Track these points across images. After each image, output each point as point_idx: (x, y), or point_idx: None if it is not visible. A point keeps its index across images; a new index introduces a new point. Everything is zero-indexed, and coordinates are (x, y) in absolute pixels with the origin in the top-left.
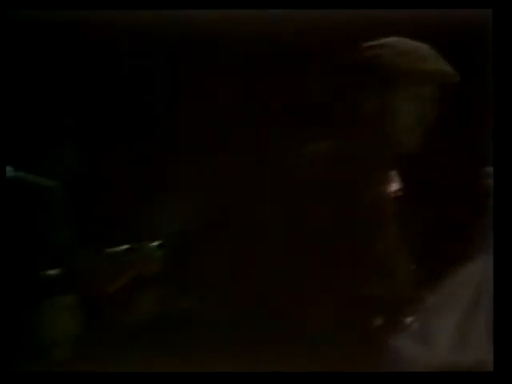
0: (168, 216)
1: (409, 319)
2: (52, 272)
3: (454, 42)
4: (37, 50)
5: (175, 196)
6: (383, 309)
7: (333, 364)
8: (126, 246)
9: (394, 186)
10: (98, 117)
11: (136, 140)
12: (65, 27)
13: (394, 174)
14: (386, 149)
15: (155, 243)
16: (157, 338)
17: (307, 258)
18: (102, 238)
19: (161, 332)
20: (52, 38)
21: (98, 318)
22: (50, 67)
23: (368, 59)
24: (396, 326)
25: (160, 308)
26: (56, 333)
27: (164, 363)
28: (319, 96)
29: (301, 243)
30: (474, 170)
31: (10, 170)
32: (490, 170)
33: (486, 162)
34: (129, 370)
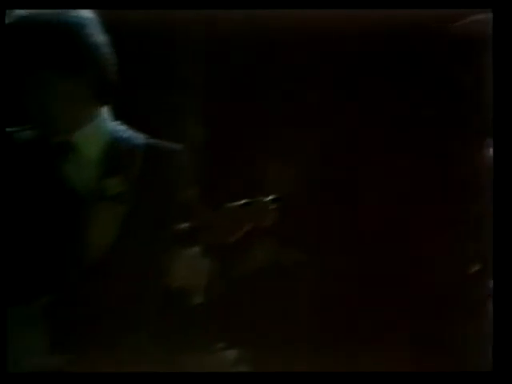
0: (279, 177)
1: None
2: (182, 225)
3: (454, 42)
4: None
5: (286, 159)
6: None
7: None
8: (243, 201)
9: None
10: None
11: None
12: None
13: None
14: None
15: (270, 197)
16: (269, 285)
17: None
18: (221, 195)
19: (273, 280)
20: None
21: (219, 266)
22: None
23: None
24: None
25: (274, 258)
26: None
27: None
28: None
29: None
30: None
31: (142, 137)
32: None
33: (484, 162)
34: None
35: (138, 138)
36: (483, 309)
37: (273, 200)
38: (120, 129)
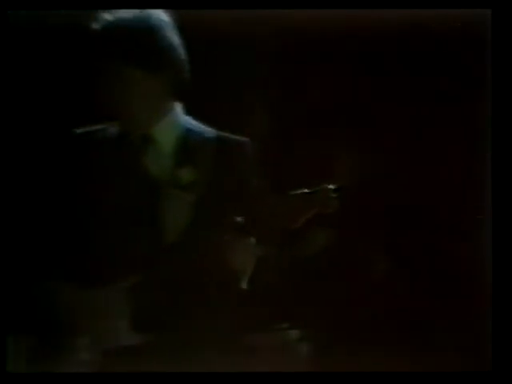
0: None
1: None
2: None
3: (454, 42)
4: None
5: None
6: None
7: None
8: (306, 190)
9: None
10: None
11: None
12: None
13: None
14: None
15: (333, 186)
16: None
17: None
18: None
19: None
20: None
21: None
22: None
23: None
24: None
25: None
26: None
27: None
28: None
29: None
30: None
31: (212, 131)
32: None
33: (484, 163)
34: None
35: (209, 131)
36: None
37: (335, 189)
38: (192, 123)
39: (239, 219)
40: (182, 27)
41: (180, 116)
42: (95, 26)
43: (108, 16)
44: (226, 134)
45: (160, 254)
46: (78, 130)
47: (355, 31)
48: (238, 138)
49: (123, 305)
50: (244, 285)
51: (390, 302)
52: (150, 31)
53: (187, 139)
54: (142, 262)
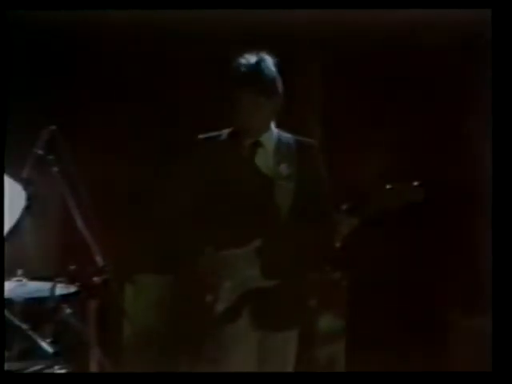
0: None
1: None
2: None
3: (454, 42)
4: None
5: None
6: None
7: None
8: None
9: None
10: None
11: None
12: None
13: None
14: None
15: (416, 183)
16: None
17: None
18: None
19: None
20: None
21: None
22: None
23: None
24: None
25: None
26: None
27: None
28: None
29: None
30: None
31: (291, 137)
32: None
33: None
34: None
35: (289, 137)
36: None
37: (419, 185)
38: (279, 131)
39: (345, 206)
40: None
41: (274, 127)
42: (235, 66)
43: (242, 59)
44: (300, 138)
45: (274, 225)
46: (202, 135)
47: (355, 31)
48: (308, 140)
49: (253, 259)
50: (337, 244)
51: (389, 302)
52: (271, 70)
53: (280, 143)
54: (260, 232)
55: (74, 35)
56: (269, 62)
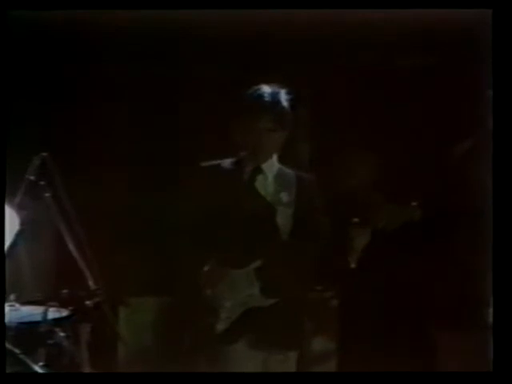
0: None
1: None
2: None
3: (454, 42)
4: None
5: None
6: None
7: None
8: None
9: None
10: None
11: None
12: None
13: None
14: None
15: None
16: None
17: None
18: None
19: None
20: None
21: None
22: None
23: None
24: None
25: None
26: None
27: None
28: None
29: None
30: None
31: (292, 172)
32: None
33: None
34: None
35: (290, 172)
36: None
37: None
38: (281, 165)
39: (356, 219)
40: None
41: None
42: (253, 93)
43: (261, 88)
44: (301, 173)
45: (275, 247)
46: (205, 163)
47: (354, 31)
48: (307, 175)
49: (253, 279)
50: (353, 264)
51: (390, 302)
52: (286, 103)
53: (280, 174)
54: (262, 252)
55: (72, 40)
56: (284, 95)
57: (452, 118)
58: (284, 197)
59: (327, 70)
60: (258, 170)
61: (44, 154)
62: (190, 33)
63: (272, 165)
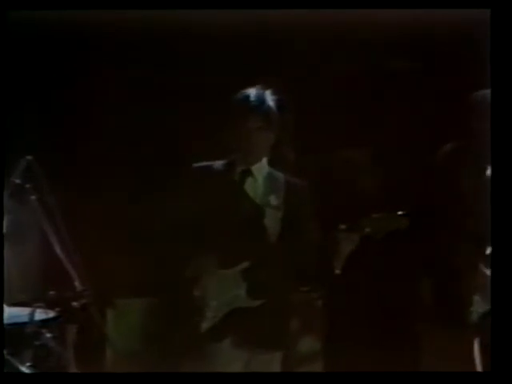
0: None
1: None
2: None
3: (454, 42)
4: None
5: None
6: None
7: None
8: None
9: None
10: None
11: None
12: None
13: None
14: None
15: (401, 212)
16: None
17: None
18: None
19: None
20: None
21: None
22: None
23: None
24: None
25: None
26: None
27: None
28: None
29: None
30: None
31: (280, 174)
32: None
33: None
34: None
35: (280, 175)
36: None
37: (404, 214)
38: (271, 168)
39: (343, 226)
40: None
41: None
42: (241, 95)
43: (248, 91)
44: (291, 177)
45: (263, 249)
46: (197, 164)
47: (354, 31)
48: (297, 180)
49: (240, 280)
50: (338, 271)
51: (390, 302)
52: (273, 103)
53: (270, 177)
54: (250, 254)
55: (72, 40)
56: (269, 96)
57: (451, 118)
58: (273, 199)
59: (326, 72)
60: (247, 172)
61: (29, 157)
62: (189, 33)
63: (262, 167)
